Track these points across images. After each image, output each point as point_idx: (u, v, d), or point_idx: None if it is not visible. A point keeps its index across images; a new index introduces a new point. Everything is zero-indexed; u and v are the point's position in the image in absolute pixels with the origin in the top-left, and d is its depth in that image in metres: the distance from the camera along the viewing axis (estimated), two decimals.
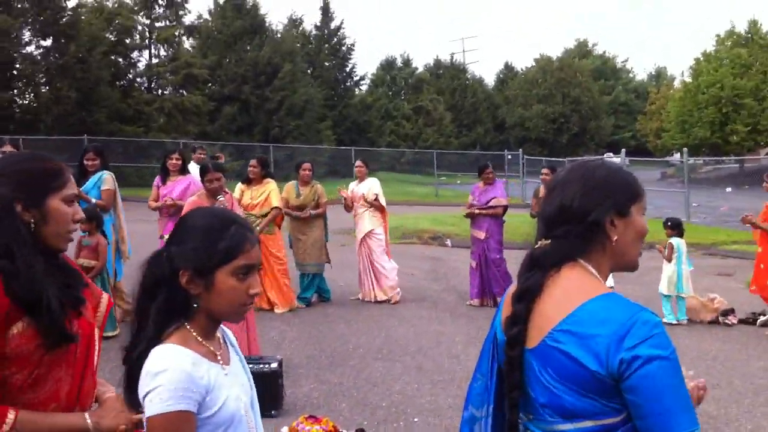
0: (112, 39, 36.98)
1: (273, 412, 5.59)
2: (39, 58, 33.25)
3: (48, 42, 33.45)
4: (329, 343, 7.91)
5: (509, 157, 34.98)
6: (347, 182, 11.31)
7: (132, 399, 1.89)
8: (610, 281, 8.80)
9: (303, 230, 9.79)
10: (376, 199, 10.08)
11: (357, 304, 9.94)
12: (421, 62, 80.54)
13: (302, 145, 37.53)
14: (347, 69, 50.92)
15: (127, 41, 38.35)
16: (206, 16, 44.05)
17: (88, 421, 2.10)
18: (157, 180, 8.98)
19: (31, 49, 33.58)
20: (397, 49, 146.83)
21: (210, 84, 40.80)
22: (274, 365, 5.74)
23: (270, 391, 5.48)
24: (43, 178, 2.12)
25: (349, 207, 10.33)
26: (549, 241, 1.93)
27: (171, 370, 1.80)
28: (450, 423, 5.56)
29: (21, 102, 32.18)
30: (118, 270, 8.04)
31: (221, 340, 2.03)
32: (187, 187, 8.68)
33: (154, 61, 39.57)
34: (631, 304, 1.79)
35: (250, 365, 5.81)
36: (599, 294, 1.82)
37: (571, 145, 54.11)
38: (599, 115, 57.28)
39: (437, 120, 50.80)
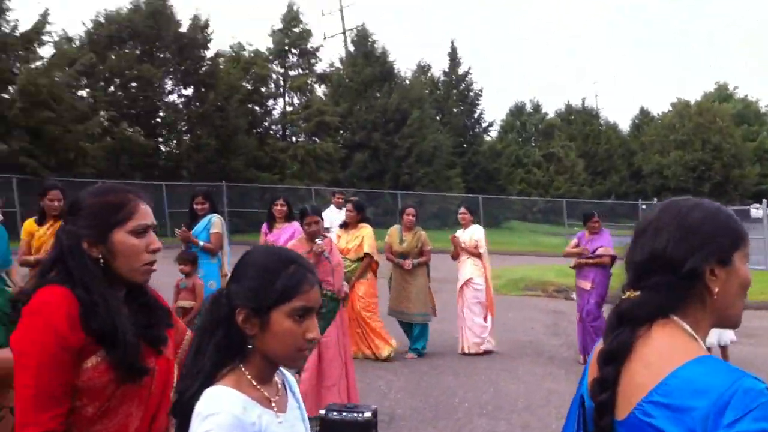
0: (249, 87, 38.08)
1: None
2: (181, 106, 34.54)
3: (189, 91, 34.76)
4: (435, 396, 7.67)
5: (644, 207, 33.42)
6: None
7: None
8: (731, 335, 8.12)
9: (407, 278, 9.53)
10: (476, 247, 9.78)
11: (467, 356, 9.54)
12: (551, 107, 79.51)
13: (431, 192, 37.28)
14: (475, 115, 50.57)
15: (263, 90, 39.41)
16: (338, 64, 44.85)
17: None
18: (264, 227, 9.06)
19: (173, 97, 34.97)
20: (527, 95, 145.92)
21: (341, 131, 41.33)
22: (368, 414, 5.27)
23: None
24: (106, 213, 2.11)
25: (455, 255, 10.06)
26: (638, 293, 1.71)
27: (220, 414, 1.73)
28: None
29: (164, 149, 33.32)
30: None
31: (280, 386, 1.95)
32: (292, 234, 8.63)
33: (288, 109, 40.47)
34: (732, 370, 1.54)
35: (344, 413, 5.51)
36: (694, 358, 1.59)
37: (713, 195, 51.50)
38: (743, 163, 54.51)
39: (569, 167, 49.56)
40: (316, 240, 6.33)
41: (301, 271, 1.86)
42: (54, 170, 25.19)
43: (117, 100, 31.89)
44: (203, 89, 33.78)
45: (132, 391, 2.08)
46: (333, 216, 11.43)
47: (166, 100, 34.50)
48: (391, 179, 39.30)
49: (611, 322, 1.74)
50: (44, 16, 27.57)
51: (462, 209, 10.25)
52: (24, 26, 27.43)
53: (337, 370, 6.32)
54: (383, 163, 40.12)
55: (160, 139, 33.70)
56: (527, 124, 52.89)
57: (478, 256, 9.78)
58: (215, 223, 8.04)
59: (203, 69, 34.36)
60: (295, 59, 41.24)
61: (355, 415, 5.33)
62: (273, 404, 1.87)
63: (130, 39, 33.26)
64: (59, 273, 2.07)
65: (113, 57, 32.18)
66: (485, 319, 9.66)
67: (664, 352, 1.61)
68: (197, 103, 33.86)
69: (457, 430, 6.51)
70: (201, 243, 7.88)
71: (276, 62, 40.72)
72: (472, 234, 9.88)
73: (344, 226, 9.43)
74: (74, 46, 32.50)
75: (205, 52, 35.15)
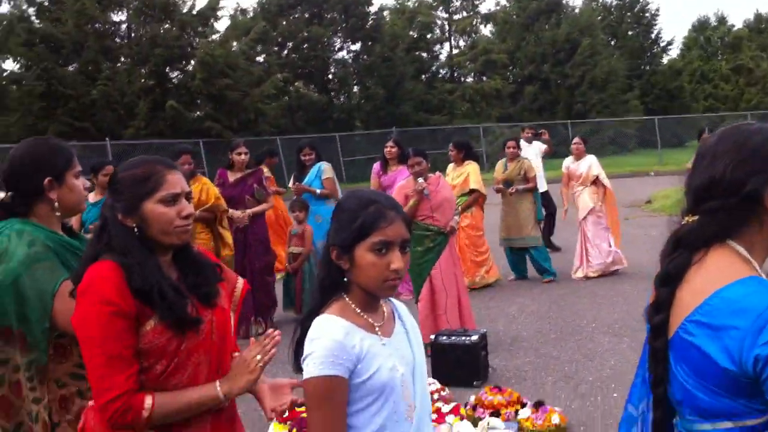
0: (414, 36, 38.80)
1: (475, 383, 5.65)
2: (350, 61, 35.92)
3: (356, 46, 36.08)
4: (564, 318, 7.72)
5: None
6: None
7: (298, 363, 2.03)
8: None
9: (512, 205, 9.58)
10: (597, 178, 9.66)
11: (610, 279, 9.37)
12: (738, 19, 72.98)
13: (605, 119, 36.32)
14: (652, 35, 48.17)
15: (428, 36, 39.96)
16: (503, 1, 44.37)
17: (218, 389, 2.21)
18: (377, 169, 9.19)
19: (342, 54, 36.44)
20: (710, 8, 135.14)
21: (510, 67, 41.08)
22: (475, 338, 5.84)
23: (471, 363, 5.68)
24: (135, 185, 2.23)
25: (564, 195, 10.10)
26: (696, 217, 1.71)
27: (324, 338, 1.94)
28: None
29: (336, 103, 34.88)
30: None
31: (387, 313, 2.12)
32: (407, 176, 8.79)
33: (454, 51, 40.80)
34: None
35: (453, 338, 6.01)
36: (739, 278, 1.59)
37: None
38: None
39: (761, 78, 46.05)
40: (419, 179, 6.65)
41: (380, 210, 2.01)
42: (236, 131, 27.45)
43: (290, 62, 33.82)
44: (370, 43, 34.94)
45: (195, 344, 2.22)
46: (527, 150, 11.19)
47: (336, 57, 36.02)
48: (564, 109, 38.71)
49: (669, 247, 1.77)
50: None
51: (576, 139, 10.09)
52: (199, 4, 29.83)
53: (450, 298, 6.55)
54: (554, 94, 39.58)
55: (332, 94, 35.27)
56: (712, 39, 49.57)
57: (604, 189, 9.69)
58: (325, 170, 8.45)
59: (368, 24, 35.49)
60: (459, 3, 41.39)
61: (463, 338, 5.95)
62: (377, 329, 2.05)
63: (298, 4, 34.97)
64: (104, 246, 2.24)
65: (284, 23, 34.03)
66: (609, 245, 9.61)
67: (712, 274, 1.63)
68: (365, 57, 35.10)
69: (575, 349, 6.60)
70: (318, 191, 8.33)
71: (440, 9, 41.08)
72: (591, 165, 9.76)
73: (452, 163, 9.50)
74: (248, 17, 34.70)
75: (369, 8, 36.20)
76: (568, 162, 10.02)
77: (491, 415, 4.76)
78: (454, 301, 6.57)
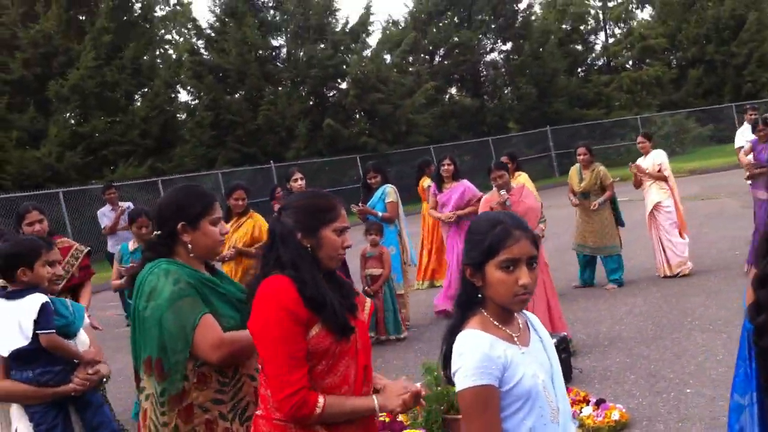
0: (567, 28, 38.31)
1: None
2: (500, 62, 36.06)
3: (507, 46, 36.18)
4: (669, 316, 7.79)
5: None
6: None
7: (447, 375, 2.26)
8: None
9: (590, 214, 9.49)
10: (659, 171, 9.53)
11: (728, 275, 9.18)
12: None
13: None
14: None
15: (581, 28, 39.29)
16: None
17: (376, 402, 2.54)
18: (433, 188, 9.31)
19: (493, 55, 36.66)
20: None
21: (673, 51, 39.54)
22: (554, 341, 5.99)
23: None
24: (318, 213, 2.59)
25: (638, 183, 9.89)
26: None
27: (472, 351, 2.13)
28: (722, 395, 5.24)
29: (489, 106, 35.12)
30: (399, 276, 8.54)
31: (522, 324, 2.32)
32: (462, 192, 8.98)
33: (610, 41, 39.84)
34: None
35: None
36: None
37: None
38: None
39: None
40: (501, 192, 7.05)
41: (506, 230, 2.18)
42: (390, 144, 28.49)
43: (441, 69, 34.44)
44: (520, 41, 34.93)
45: (345, 349, 2.52)
46: (747, 134, 10.92)
47: (486, 59, 36.28)
48: (732, 91, 36.71)
49: (762, 247, 1.81)
50: (367, 8, 30.97)
51: (640, 137, 10.05)
52: (352, 20, 31.14)
53: (538, 304, 6.75)
54: (720, 76, 37.61)
55: (485, 97, 35.53)
56: None
57: (664, 179, 9.65)
58: (389, 192, 8.51)
59: (518, 22, 35.51)
60: None
61: None
62: (516, 339, 2.22)
63: (447, 9, 35.60)
64: (275, 263, 2.55)
65: (434, 30, 34.77)
66: (682, 237, 9.56)
67: None
68: (515, 56, 35.12)
69: (669, 347, 6.74)
70: (380, 213, 8.43)
71: None
72: (654, 159, 9.73)
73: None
74: (399, 28, 35.74)
75: (518, 5, 36.20)
76: (639, 160, 9.94)
77: None
78: (543, 306, 6.85)
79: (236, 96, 29.30)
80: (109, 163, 23.59)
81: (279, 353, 2.41)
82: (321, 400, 2.42)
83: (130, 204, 11.96)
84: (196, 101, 29.48)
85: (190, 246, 2.91)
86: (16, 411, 3.32)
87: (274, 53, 31.09)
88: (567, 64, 35.98)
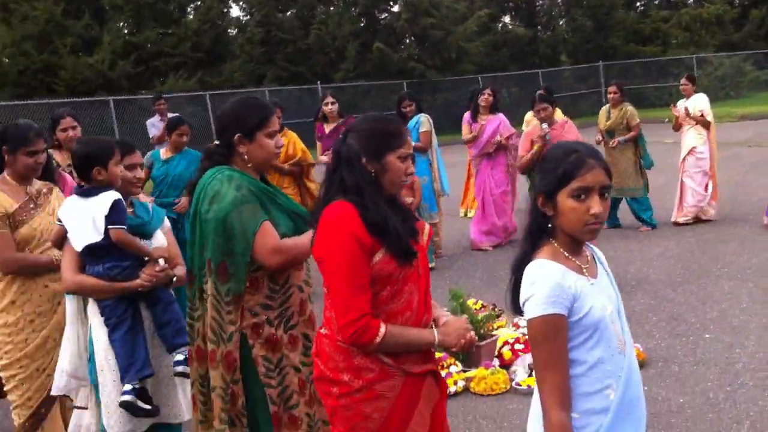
0: None
1: None
2: None
3: None
4: (700, 261, 7.88)
5: None
6: None
7: (515, 304, 2.29)
8: None
9: (613, 155, 9.38)
10: (702, 115, 9.40)
11: (752, 224, 9.21)
12: None
13: None
14: None
15: None
16: None
17: (436, 335, 2.58)
18: (467, 117, 9.33)
19: None
20: None
21: None
22: None
23: None
24: (384, 138, 2.58)
25: (677, 126, 9.77)
26: None
27: (544, 280, 2.14)
28: (740, 342, 5.40)
29: (542, 37, 34.48)
30: (433, 206, 8.65)
31: (590, 257, 2.32)
32: (498, 125, 9.02)
33: None
34: None
35: None
36: None
37: None
38: None
39: None
40: (542, 125, 7.07)
41: (580, 158, 2.17)
42: (439, 70, 28.29)
43: None
44: None
45: (408, 274, 2.54)
46: None
47: None
48: None
49: None
50: None
51: (683, 80, 9.87)
52: None
53: None
54: None
55: (539, 28, 34.85)
56: None
57: (706, 125, 9.54)
58: (423, 122, 8.52)
59: None
60: None
61: None
62: (584, 271, 2.23)
63: None
64: (338, 187, 2.56)
65: None
66: (705, 188, 9.50)
67: None
68: None
69: (694, 292, 6.83)
70: (413, 143, 8.62)
71: None
72: (696, 103, 9.60)
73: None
74: None
75: None
76: (680, 103, 9.86)
77: None
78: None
79: (288, 14, 29.23)
80: (160, 75, 23.85)
81: (343, 279, 2.45)
82: (383, 328, 2.46)
83: (178, 115, 12.20)
84: (248, 17, 29.48)
85: (245, 157, 2.97)
86: (91, 308, 3.44)
87: None
88: None
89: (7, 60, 21.84)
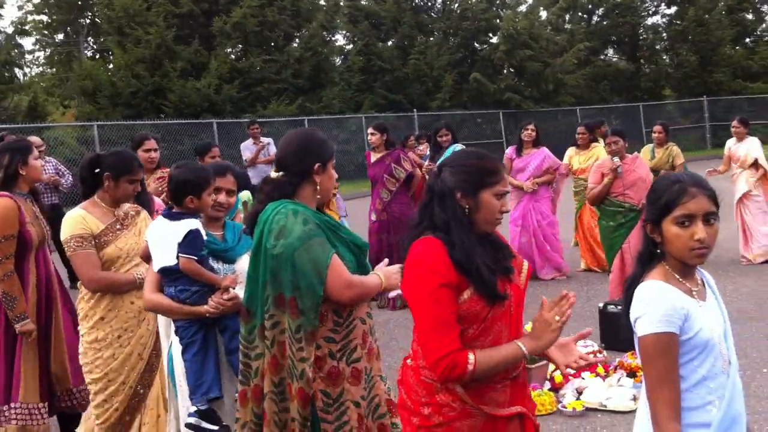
0: None
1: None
2: (661, 27, 34.68)
3: (671, 10, 34.66)
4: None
5: None
6: None
7: (627, 321, 2.36)
8: None
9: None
10: (756, 163, 9.27)
11: None
12: None
13: None
14: None
15: None
16: None
17: (522, 347, 2.50)
18: (511, 153, 9.33)
19: (654, 19, 35.29)
20: None
21: None
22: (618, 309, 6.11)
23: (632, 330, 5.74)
24: (482, 175, 2.56)
25: (724, 170, 9.67)
26: None
27: (657, 300, 2.25)
28: None
29: (644, 71, 33.92)
30: None
31: (699, 281, 2.40)
32: (543, 159, 9.05)
33: None
34: None
35: (619, 307, 6.18)
36: None
37: None
38: None
39: None
40: (614, 158, 7.07)
41: (683, 187, 2.27)
42: (536, 101, 28.22)
43: (598, 30, 33.49)
44: (685, 5, 33.40)
45: (499, 314, 2.51)
46: None
47: (647, 22, 34.96)
48: None
49: None
50: None
51: (735, 122, 9.75)
52: None
53: None
54: None
55: (641, 62, 34.31)
56: None
57: (764, 172, 9.38)
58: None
59: None
60: None
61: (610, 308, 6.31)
62: (694, 293, 2.31)
63: None
64: (427, 222, 2.56)
65: None
66: None
67: None
68: (678, 21, 33.64)
69: (763, 330, 6.70)
70: None
71: None
72: (749, 148, 9.47)
73: (576, 146, 9.68)
74: None
75: None
76: (730, 143, 9.77)
77: (627, 375, 5.34)
78: None
79: (388, 43, 29.77)
80: (262, 99, 24.61)
81: (429, 316, 2.45)
82: (471, 357, 2.43)
83: (270, 140, 12.69)
84: (350, 46, 30.18)
85: (318, 187, 2.97)
86: (172, 325, 3.54)
87: (429, 3, 31.33)
88: (734, 33, 34.07)
89: (120, 82, 22.96)
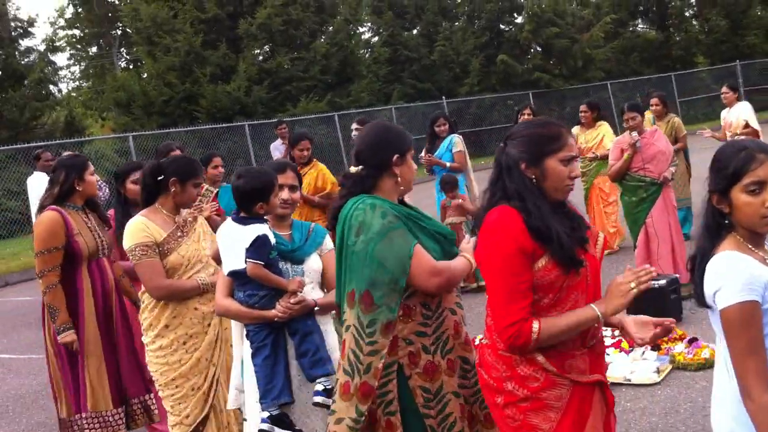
0: None
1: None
2: None
3: None
4: None
5: None
6: None
7: (701, 299, 2.33)
8: None
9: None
10: (746, 126, 9.02)
11: None
12: None
13: None
14: None
15: None
16: None
17: (596, 309, 2.47)
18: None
19: None
20: None
21: None
22: (663, 282, 6.13)
23: (658, 306, 5.72)
24: (543, 142, 2.53)
25: (722, 137, 9.31)
26: None
27: (735, 269, 2.20)
28: None
29: (675, 39, 33.43)
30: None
31: None
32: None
33: None
34: None
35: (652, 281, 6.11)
36: None
37: None
38: None
39: None
40: (632, 133, 7.06)
41: (750, 154, 2.23)
42: (566, 79, 28.06)
43: (624, 1, 32.96)
44: None
45: (574, 282, 2.47)
46: None
47: None
48: None
49: None
50: None
51: (723, 89, 9.67)
52: None
53: (663, 246, 6.90)
54: None
55: (671, 30, 33.82)
56: None
57: (755, 134, 8.97)
58: (456, 142, 8.32)
59: None
60: None
61: (653, 282, 6.25)
62: (767, 261, 2.27)
63: None
64: (500, 194, 2.53)
65: None
66: None
67: None
68: None
69: None
70: (447, 164, 8.25)
71: None
72: (739, 113, 9.33)
73: (581, 125, 9.47)
74: None
75: None
76: (723, 113, 9.72)
77: (651, 349, 5.45)
78: (668, 248, 6.91)
79: (413, 32, 29.83)
80: (292, 98, 24.87)
81: (502, 284, 2.44)
82: (535, 324, 2.41)
83: (301, 131, 12.89)
84: (376, 37, 30.30)
85: (399, 179, 2.94)
86: (244, 330, 3.53)
87: None
88: None
89: (153, 91, 23.41)
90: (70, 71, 41.40)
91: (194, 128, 21.12)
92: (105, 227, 4.71)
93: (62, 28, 38.87)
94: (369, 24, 30.77)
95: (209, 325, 4.04)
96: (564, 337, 2.45)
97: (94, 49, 39.29)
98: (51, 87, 28.16)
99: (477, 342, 2.94)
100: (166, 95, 23.38)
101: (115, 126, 26.14)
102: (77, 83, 40.79)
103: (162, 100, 23.33)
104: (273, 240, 3.41)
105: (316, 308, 3.38)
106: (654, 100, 9.46)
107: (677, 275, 6.54)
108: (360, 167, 2.95)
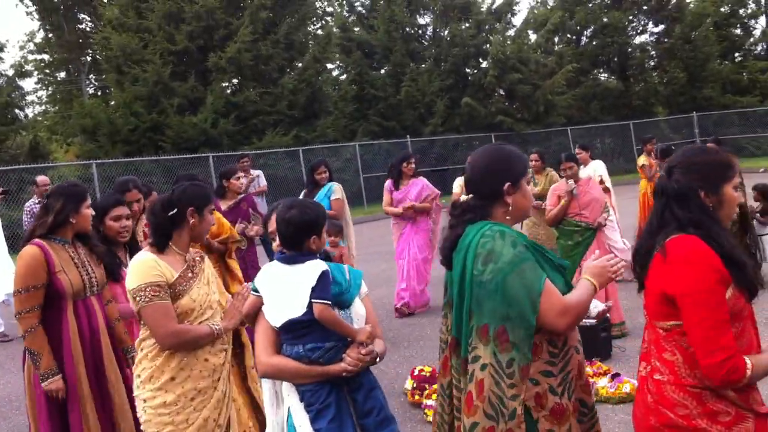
0: (725, 12, 36.70)
1: (593, 359, 6.34)
2: (649, 45, 35.19)
3: (658, 28, 35.20)
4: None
5: None
6: None
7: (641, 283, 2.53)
8: None
9: (539, 220, 9.09)
10: (601, 182, 9.30)
11: None
12: None
13: None
14: None
15: (741, 12, 37.51)
16: None
17: None
18: (389, 185, 9.27)
19: (642, 38, 35.81)
20: None
21: None
22: (593, 321, 6.48)
23: (589, 343, 5.56)
24: (720, 170, 2.53)
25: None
26: None
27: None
28: None
29: (634, 89, 34.39)
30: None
31: None
32: (421, 188, 9.09)
33: None
34: None
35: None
36: None
37: None
38: None
39: None
40: (569, 181, 7.52)
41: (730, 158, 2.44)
42: (527, 123, 28.76)
43: (587, 50, 34.01)
44: (670, 23, 33.95)
45: (746, 311, 2.45)
46: None
47: (635, 42, 35.48)
48: None
49: None
50: None
51: (577, 149, 10.36)
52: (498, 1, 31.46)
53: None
54: None
55: (631, 80, 34.80)
56: None
57: (606, 191, 9.30)
58: (335, 190, 8.39)
59: (670, 5, 34.45)
60: None
61: (585, 321, 6.54)
62: None
63: None
64: (675, 224, 2.51)
65: (582, 10, 34.33)
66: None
67: None
68: (665, 39, 34.18)
69: None
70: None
71: None
72: (595, 169, 9.97)
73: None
74: (547, 7, 35.56)
75: None
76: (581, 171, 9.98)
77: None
78: (601, 290, 7.19)
79: (381, 72, 30.39)
80: (258, 132, 25.13)
81: (709, 315, 2.36)
82: (749, 361, 2.38)
83: (260, 172, 13.20)
84: (344, 75, 30.79)
85: (510, 208, 2.75)
86: (286, 388, 3.14)
87: (419, 31, 32.00)
88: (722, 49, 34.58)
89: (119, 120, 23.51)
90: (37, 96, 41.35)
91: (158, 158, 21.28)
92: (98, 261, 4.25)
93: (31, 52, 38.85)
94: (338, 62, 31.30)
95: (218, 379, 3.59)
96: (762, 377, 2.44)
97: (63, 74, 39.27)
98: (17, 111, 28.14)
99: (643, 375, 2.71)
100: (132, 124, 23.51)
101: (79, 152, 26.14)
102: (44, 107, 40.69)
103: (128, 129, 23.45)
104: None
105: (377, 360, 3.08)
106: (533, 156, 9.69)
107: (607, 316, 6.87)
108: (470, 196, 2.81)
